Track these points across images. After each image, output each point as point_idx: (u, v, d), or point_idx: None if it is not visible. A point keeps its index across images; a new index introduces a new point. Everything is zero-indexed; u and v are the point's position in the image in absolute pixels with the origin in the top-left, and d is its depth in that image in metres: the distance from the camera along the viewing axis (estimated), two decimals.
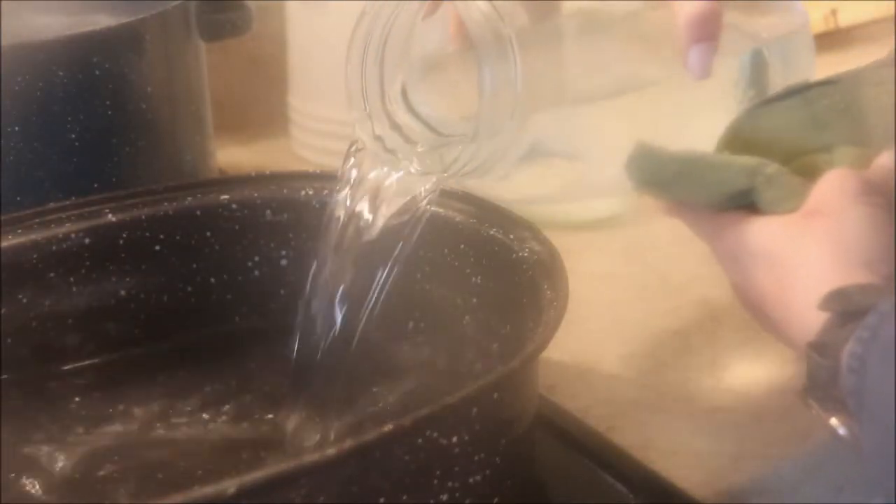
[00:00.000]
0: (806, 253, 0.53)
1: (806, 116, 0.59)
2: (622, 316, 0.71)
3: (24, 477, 0.55)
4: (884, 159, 0.56)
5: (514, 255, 0.59)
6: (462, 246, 0.62)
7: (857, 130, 0.59)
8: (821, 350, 0.49)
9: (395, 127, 0.57)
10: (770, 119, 0.59)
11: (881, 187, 0.55)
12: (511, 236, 0.60)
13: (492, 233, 0.61)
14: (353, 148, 0.57)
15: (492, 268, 0.61)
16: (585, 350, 0.66)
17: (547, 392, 0.61)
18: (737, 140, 0.58)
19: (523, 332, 0.55)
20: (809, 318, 0.50)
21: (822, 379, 0.48)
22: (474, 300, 0.62)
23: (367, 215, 0.57)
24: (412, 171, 0.56)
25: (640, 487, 0.56)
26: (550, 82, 0.56)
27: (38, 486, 0.55)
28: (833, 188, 0.54)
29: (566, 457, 0.58)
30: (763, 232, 0.55)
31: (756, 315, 0.57)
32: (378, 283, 0.57)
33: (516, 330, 0.58)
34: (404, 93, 0.58)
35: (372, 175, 0.57)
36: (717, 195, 0.56)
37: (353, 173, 0.57)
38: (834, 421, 0.48)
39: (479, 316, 0.62)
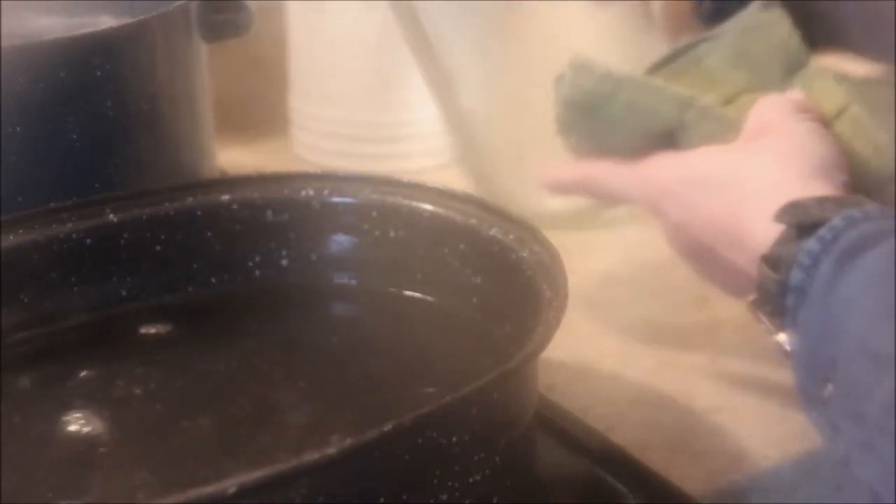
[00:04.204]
0: (758, 167, 0.52)
1: (732, 55, 0.59)
2: (622, 316, 0.71)
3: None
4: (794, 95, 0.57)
5: (514, 256, 0.59)
6: (462, 246, 0.62)
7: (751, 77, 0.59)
8: (774, 263, 0.48)
9: None
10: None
11: (808, 110, 0.56)
12: (511, 237, 0.60)
13: (492, 233, 0.61)
14: None
15: (492, 268, 0.61)
16: (585, 350, 0.66)
17: (547, 392, 0.61)
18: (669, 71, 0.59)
19: (523, 332, 0.55)
20: (763, 232, 0.49)
21: (773, 292, 0.48)
22: (474, 300, 0.62)
23: None
24: None
25: (640, 487, 0.56)
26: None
27: None
28: (771, 110, 0.55)
29: (566, 457, 0.58)
30: (706, 159, 0.54)
31: (699, 257, 0.56)
32: None
33: (516, 330, 0.58)
34: None
35: None
36: (643, 128, 0.56)
37: None
38: (781, 337, 0.48)
39: (479, 316, 0.62)
